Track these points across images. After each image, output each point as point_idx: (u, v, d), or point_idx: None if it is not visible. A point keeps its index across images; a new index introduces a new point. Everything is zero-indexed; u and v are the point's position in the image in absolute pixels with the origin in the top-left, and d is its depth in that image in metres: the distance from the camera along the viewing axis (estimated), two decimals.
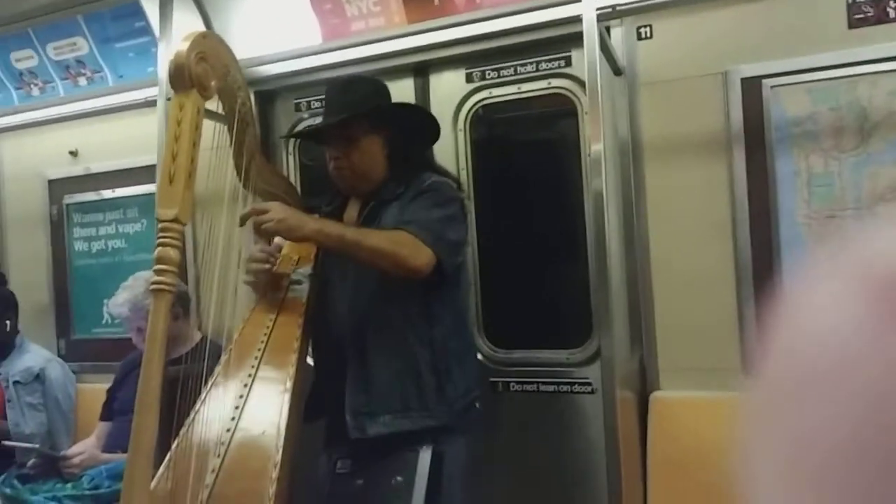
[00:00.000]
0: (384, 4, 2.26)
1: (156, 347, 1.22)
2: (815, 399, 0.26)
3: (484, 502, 2.16)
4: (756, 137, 1.88)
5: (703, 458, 1.81)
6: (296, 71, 2.41)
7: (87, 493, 2.11)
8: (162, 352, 1.23)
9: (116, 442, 2.29)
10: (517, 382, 2.20)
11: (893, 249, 0.27)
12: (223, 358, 1.63)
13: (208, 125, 1.41)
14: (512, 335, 2.26)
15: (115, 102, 2.71)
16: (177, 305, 2.20)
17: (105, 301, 2.75)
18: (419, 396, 1.58)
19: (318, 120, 2.18)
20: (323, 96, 1.86)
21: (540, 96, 2.21)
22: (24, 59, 2.85)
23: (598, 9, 1.79)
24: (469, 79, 2.27)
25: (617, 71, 2.01)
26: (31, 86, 2.91)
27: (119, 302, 2.29)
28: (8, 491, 2.16)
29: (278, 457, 1.41)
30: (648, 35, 2.03)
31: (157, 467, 1.45)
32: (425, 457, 1.53)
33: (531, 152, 2.41)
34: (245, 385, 1.56)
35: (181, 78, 1.29)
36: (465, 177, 2.25)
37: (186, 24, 2.35)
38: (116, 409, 2.39)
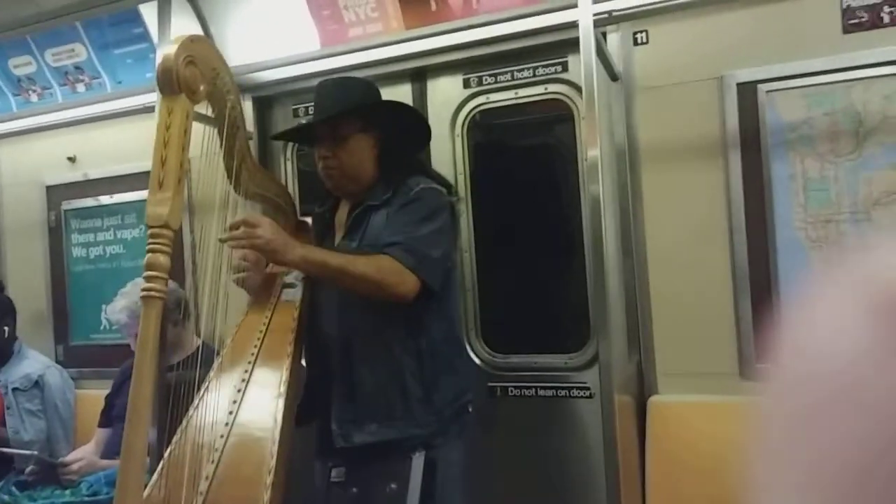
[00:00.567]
0: (382, 10, 2.27)
1: (147, 354, 1.21)
2: (824, 422, 0.26)
3: None
4: (752, 142, 1.88)
5: (701, 462, 1.81)
6: (294, 77, 2.41)
7: (85, 499, 2.11)
8: (154, 358, 1.22)
9: (115, 448, 2.28)
10: (515, 387, 2.20)
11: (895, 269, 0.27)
12: (216, 363, 1.62)
13: (198, 130, 1.39)
14: (510, 340, 2.25)
15: (113, 108, 2.72)
16: (176, 311, 2.20)
17: (103, 307, 2.76)
18: (405, 405, 1.57)
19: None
20: None
21: (537, 101, 2.21)
22: (22, 66, 2.86)
23: (594, 14, 1.79)
24: (466, 84, 2.28)
25: (613, 76, 2.02)
26: (30, 92, 2.91)
27: (117, 308, 2.29)
28: (6, 498, 2.15)
29: (272, 462, 1.40)
30: (644, 41, 2.03)
31: (152, 474, 1.44)
32: (418, 463, 1.52)
33: (528, 157, 2.42)
34: (239, 390, 1.55)
35: (169, 82, 1.27)
36: (462, 181, 2.26)
37: (185, 30, 2.35)
38: (115, 415, 2.39)
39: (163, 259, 1.23)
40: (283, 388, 1.52)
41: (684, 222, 1.97)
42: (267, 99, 2.56)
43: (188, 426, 1.48)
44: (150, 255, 1.23)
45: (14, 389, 2.58)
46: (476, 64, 2.24)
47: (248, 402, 1.52)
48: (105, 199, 2.90)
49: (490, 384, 2.22)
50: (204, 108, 1.48)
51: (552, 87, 2.18)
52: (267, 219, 1.51)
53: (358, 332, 1.60)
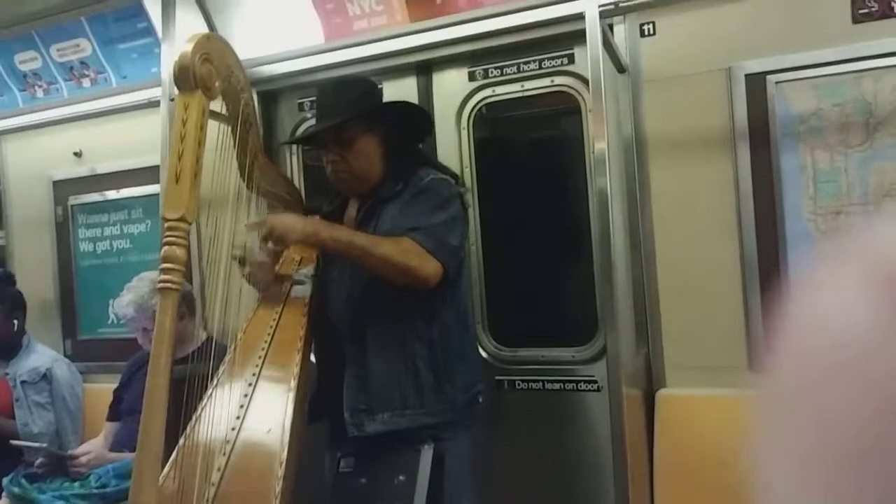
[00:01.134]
0: (386, 3, 2.26)
1: (163, 345, 1.22)
2: (829, 396, 0.26)
3: (490, 500, 2.16)
4: (761, 134, 1.87)
5: (709, 456, 1.81)
6: (298, 70, 2.41)
7: (94, 491, 2.12)
8: (170, 350, 1.23)
9: (123, 442, 2.30)
10: (523, 381, 2.20)
11: None
12: (227, 357, 1.63)
13: (213, 126, 1.41)
14: (517, 333, 2.26)
15: (118, 103, 2.72)
16: (181, 305, 2.20)
17: (111, 301, 2.76)
18: (417, 394, 1.59)
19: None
20: None
21: (543, 94, 2.21)
22: (28, 61, 2.86)
23: (600, 6, 1.78)
24: (472, 77, 2.27)
25: (620, 68, 2.01)
26: (36, 87, 2.92)
27: (124, 303, 2.30)
28: (16, 490, 2.17)
29: (284, 455, 1.41)
30: (651, 32, 2.02)
31: (163, 466, 1.45)
32: (427, 455, 1.53)
33: (535, 150, 2.41)
34: (250, 384, 1.56)
35: (186, 79, 1.30)
36: (468, 175, 2.25)
37: (189, 24, 2.36)
38: (123, 409, 2.40)
39: (179, 252, 1.25)
40: (293, 382, 1.53)
41: (693, 215, 1.96)
42: (272, 93, 2.55)
43: (200, 419, 1.49)
44: (166, 247, 1.25)
45: (23, 382, 2.60)
46: (482, 57, 2.23)
47: (259, 396, 1.53)
48: (112, 194, 2.90)
49: (497, 378, 2.22)
50: (218, 106, 1.50)
51: (558, 80, 2.17)
52: (287, 213, 1.54)
53: (370, 321, 1.62)
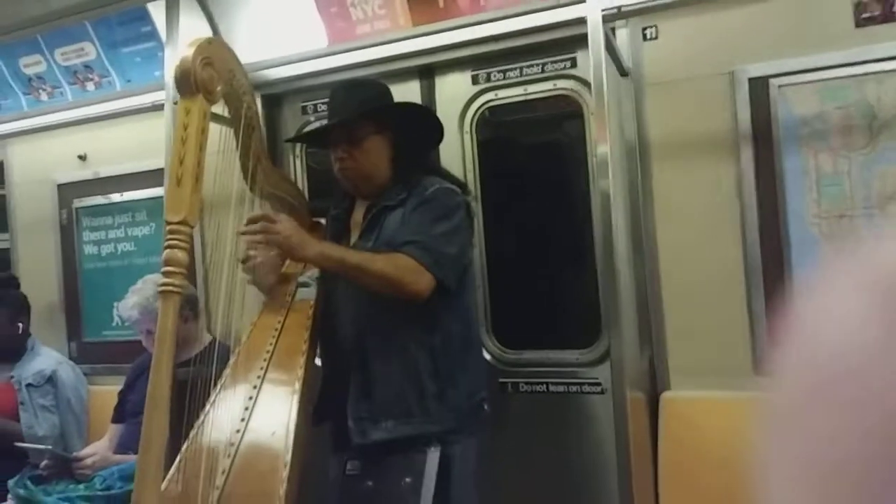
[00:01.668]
0: (389, 7, 2.27)
1: (165, 348, 1.23)
2: (827, 409, 0.26)
3: (494, 503, 2.16)
4: (764, 137, 1.87)
5: (713, 458, 1.80)
6: (302, 74, 2.41)
7: (99, 493, 2.12)
8: (171, 352, 1.24)
9: (128, 444, 2.30)
10: (526, 383, 2.20)
11: None
12: (232, 360, 1.64)
13: (215, 129, 1.42)
14: (521, 336, 2.26)
15: (122, 107, 2.73)
16: (185, 308, 2.21)
17: (115, 304, 2.77)
18: (421, 402, 1.58)
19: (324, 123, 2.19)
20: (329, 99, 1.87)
21: (546, 98, 2.21)
22: (32, 65, 2.88)
23: (603, 10, 1.79)
24: (475, 81, 2.28)
25: (623, 72, 2.01)
26: (40, 91, 2.93)
27: (129, 305, 2.31)
28: (21, 492, 2.17)
29: (288, 457, 1.42)
30: (654, 36, 2.02)
31: (167, 469, 1.46)
32: (433, 458, 1.53)
33: (538, 154, 2.41)
34: (254, 387, 1.57)
35: (187, 83, 1.30)
36: (471, 179, 2.25)
37: (193, 28, 2.36)
38: (128, 411, 2.41)
39: (181, 255, 1.26)
40: (298, 385, 1.54)
41: (696, 218, 1.96)
42: (275, 97, 2.56)
43: (204, 421, 1.50)
44: (168, 250, 1.26)
45: (28, 385, 2.61)
46: (484, 60, 2.24)
47: (263, 399, 1.54)
48: (116, 197, 2.91)
49: (501, 380, 2.22)
50: (221, 109, 1.50)
51: (561, 84, 2.17)
52: (285, 216, 1.54)
53: (373, 330, 1.62)
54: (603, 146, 1.75)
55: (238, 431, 1.49)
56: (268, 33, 2.43)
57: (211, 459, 1.43)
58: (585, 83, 2.06)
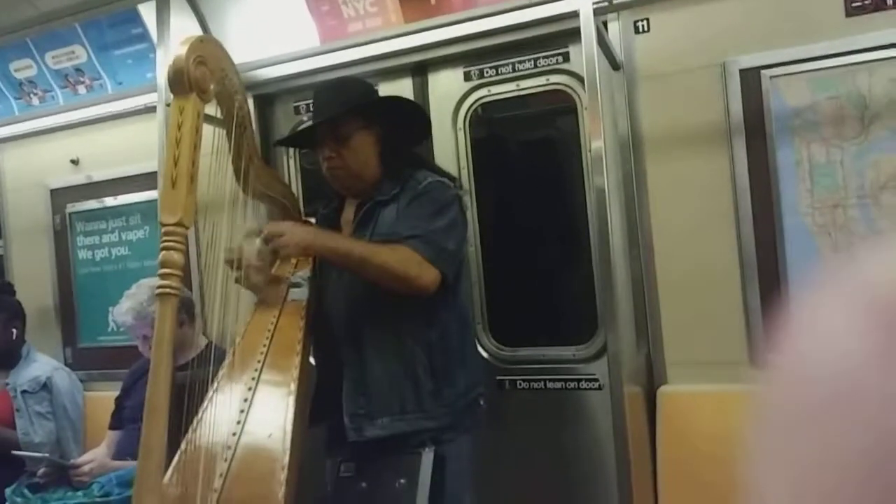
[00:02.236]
0: (381, 5, 2.26)
1: (163, 352, 1.22)
2: (822, 429, 0.26)
3: (493, 500, 2.16)
4: (756, 128, 1.88)
5: (711, 451, 1.80)
6: (294, 74, 2.41)
7: (97, 500, 2.11)
8: (170, 355, 1.23)
9: (126, 450, 2.29)
10: (524, 380, 2.20)
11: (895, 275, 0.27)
12: (226, 362, 1.63)
13: (207, 130, 1.40)
14: (517, 333, 2.25)
15: (114, 110, 2.72)
16: (181, 312, 2.20)
17: (110, 309, 2.76)
18: (416, 398, 1.57)
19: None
20: None
21: (539, 93, 2.21)
22: (22, 69, 2.86)
23: (594, 3, 1.78)
24: (467, 77, 2.27)
25: (615, 65, 2.01)
26: (31, 95, 2.92)
27: (123, 310, 2.29)
28: (19, 500, 2.16)
29: (286, 459, 1.41)
30: (646, 28, 2.02)
31: (165, 472, 1.45)
32: (428, 458, 1.52)
33: (532, 150, 2.41)
34: (249, 389, 1.55)
35: (180, 82, 1.29)
36: (466, 175, 2.25)
37: (184, 29, 2.35)
38: (125, 417, 2.39)
39: (177, 256, 1.24)
40: (293, 386, 1.52)
41: (690, 211, 1.96)
42: (268, 97, 2.55)
43: (200, 425, 1.48)
44: (163, 252, 1.24)
45: (23, 392, 2.60)
46: (476, 56, 2.23)
47: (259, 400, 1.52)
48: (109, 201, 2.90)
49: (498, 378, 2.22)
50: (213, 109, 1.49)
51: (554, 78, 2.17)
52: (288, 223, 1.54)
53: (368, 326, 1.61)
54: (597, 140, 1.75)
55: (234, 434, 1.48)
56: (259, 33, 2.42)
57: (208, 462, 1.42)
58: (578, 78, 2.06)
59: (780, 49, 1.85)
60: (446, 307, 1.63)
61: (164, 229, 1.25)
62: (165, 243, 1.24)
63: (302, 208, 2.12)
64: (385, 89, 2.33)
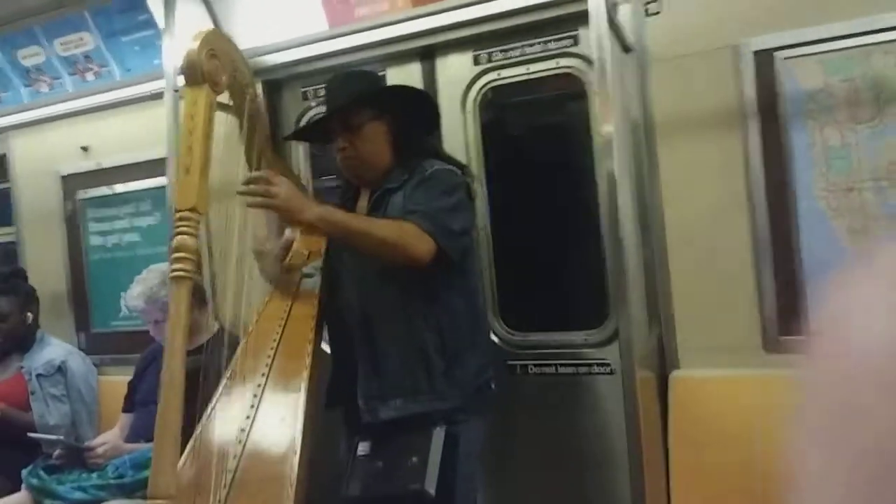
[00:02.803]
0: None
1: (178, 333, 1.25)
2: (862, 422, 0.26)
3: (505, 485, 2.17)
4: (770, 111, 1.85)
5: (724, 436, 1.81)
6: (301, 59, 2.40)
7: (111, 482, 2.14)
8: (184, 337, 1.26)
9: (139, 432, 2.32)
10: (535, 365, 2.20)
11: None
12: (240, 348, 1.65)
13: (219, 119, 1.44)
14: (529, 318, 2.26)
15: (123, 96, 2.72)
16: (193, 297, 2.21)
17: (122, 294, 2.78)
18: (429, 380, 1.60)
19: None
20: None
21: (549, 77, 2.19)
22: (31, 56, 2.87)
23: None
24: (476, 61, 2.26)
25: (626, 48, 1.98)
26: (40, 82, 2.92)
27: (134, 295, 2.32)
28: (35, 481, 2.20)
29: (298, 441, 1.43)
30: (656, 10, 1.99)
31: (179, 454, 1.47)
32: (439, 437, 1.55)
33: (542, 134, 2.40)
34: (262, 374, 1.58)
35: (193, 74, 1.33)
36: (475, 160, 2.24)
37: (190, 15, 2.35)
38: (138, 400, 2.43)
39: (190, 241, 1.28)
40: (305, 372, 1.56)
41: (703, 195, 1.95)
42: (276, 82, 2.55)
43: (214, 409, 1.51)
44: (178, 237, 1.27)
45: (38, 375, 2.63)
46: (485, 40, 2.22)
47: (272, 386, 1.56)
48: (120, 188, 2.91)
49: (510, 363, 2.22)
50: (225, 98, 1.52)
51: (564, 62, 2.15)
52: (285, 178, 1.53)
53: (379, 309, 1.64)
54: (608, 124, 1.74)
55: (248, 418, 1.51)
56: (266, 18, 2.41)
57: (223, 444, 1.44)
58: (588, 61, 2.04)
59: (793, 30, 1.82)
60: (454, 290, 1.66)
61: (178, 214, 1.29)
62: (179, 228, 1.28)
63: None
64: (393, 74, 2.32)
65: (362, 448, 1.61)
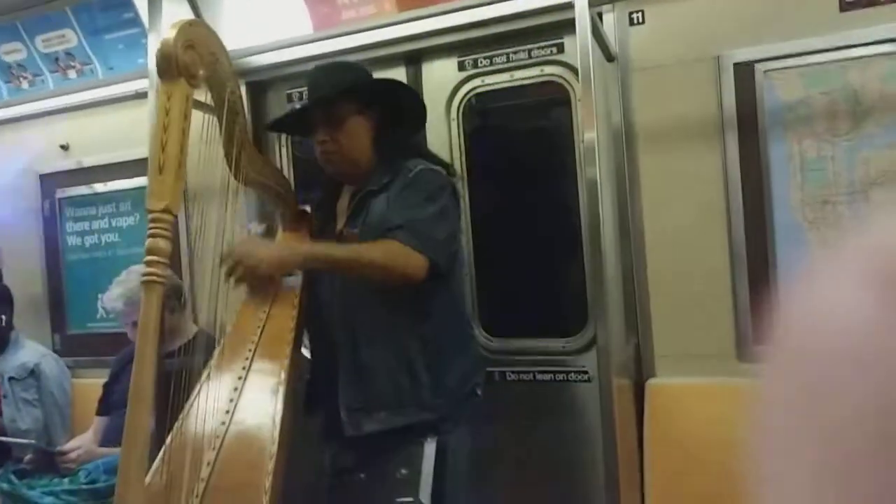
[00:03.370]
0: None
1: (148, 340, 1.21)
2: (835, 399, 0.25)
3: (482, 491, 2.17)
4: (749, 122, 1.87)
5: (699, 444, 1.82)
6: (287, 61, 2.39)
7: (83, 487, 2.11)
8: (154, 344, 1.22)
9: (113, 436, 2.28)
10: (514, 372, 2.20)
11: None
12: (217, 350, 1.62)
13: (197, 117, 1.39)
14: (508, 324, 2.26)
15: (105, 95, 2.69)
16: (172, 299, 2.19)
17: (99, 295, 2.74)
18: (413, 391, 1.56)
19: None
20: None
21: (533, 84, 2.20)
22: (12, 53, 2.83)
23: None
24: (461, 67, 2.26)
25: (609, 57, 2.00)
26: (21, 79, 2.88)
27: (113, 297, 2.28)
28: (5, 486, 2.16)
29: (274, 448, 1.40)
30: (640, 20, 2.01)
31: (152, 461, 1.44)
32: (430, 449, 1.51)
33: (525, 140, 2.40)
34: (239, 377, 1.55)
35: (169, 67, 1.26)
36: (459, 166, 2.24)
37: (176, 14, 2.32)
38: (113, 403, 2.39)
39: (163, 244, 1.23)
40: (283, 375, 1.52)
41: (682, 204, 1.96)
42: (260, 84, 2.53)
43: (189, 413, 1.48)
44: (150, 239, 1.23)
45: (10, 379, 2.58)
46: (471, 46, 2.22)
47: (249, 389, 1.52)
48: (99, 188, 2.88)
49: (489, 369, 2.21)
50: (203, 95, 1.47)
51: (548, 69, 2.16)
52: (251, 241, 1.50)
53: (362, 318, 1.59)
54: (590, 132, 1.74)
55: (223, 423, 1.48)
56: (252, 19, 2.40)
57: (196, 451, 1.41)
58: (572, 69, 2.05)
59: (774, 43, 1.85)
60: (440, 298, 1.61)
61: (150, 216, 1.24)
62: (152, 230, 1.23)
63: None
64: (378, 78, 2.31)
65: (343, 460, 1.57)
